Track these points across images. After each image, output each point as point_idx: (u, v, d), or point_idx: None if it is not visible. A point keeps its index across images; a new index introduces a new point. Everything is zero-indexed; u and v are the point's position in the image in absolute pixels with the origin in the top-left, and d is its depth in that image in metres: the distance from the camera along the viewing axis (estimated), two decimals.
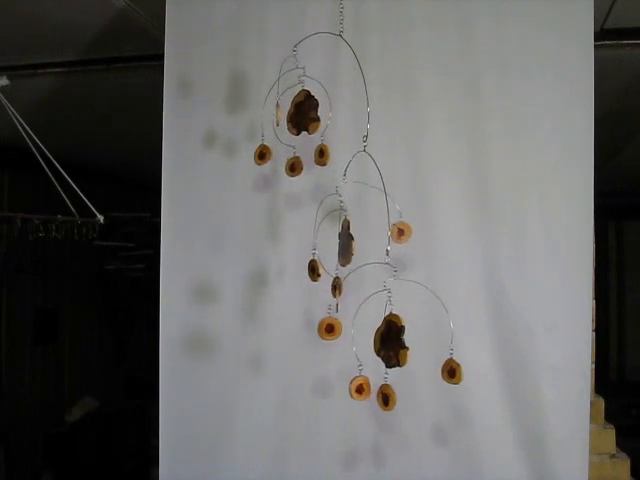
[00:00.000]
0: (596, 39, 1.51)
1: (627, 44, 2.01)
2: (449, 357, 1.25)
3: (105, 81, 2.56)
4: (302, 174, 1.36)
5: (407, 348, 1.17)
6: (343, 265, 1.22)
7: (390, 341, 1.18)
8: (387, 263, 1.20)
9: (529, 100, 1.51)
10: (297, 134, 1.30)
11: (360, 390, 1.22)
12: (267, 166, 1.44)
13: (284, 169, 1.37)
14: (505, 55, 1.52)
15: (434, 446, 1.53)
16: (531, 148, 1.51)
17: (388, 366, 1.18)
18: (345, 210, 1.23)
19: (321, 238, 1.31)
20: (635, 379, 5.32)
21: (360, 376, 1.22)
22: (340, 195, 1.24)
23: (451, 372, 1.25)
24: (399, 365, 1.18)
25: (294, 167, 1.34)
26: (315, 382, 1.56)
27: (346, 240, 1.22)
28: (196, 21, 1.66)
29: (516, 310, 1.50)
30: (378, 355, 1.19)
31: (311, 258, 1.27)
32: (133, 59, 2.27)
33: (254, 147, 1.40)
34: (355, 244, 1.22)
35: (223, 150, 1.62)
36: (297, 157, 1.34)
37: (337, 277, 1.24)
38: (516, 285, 1.50)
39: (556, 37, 1.50)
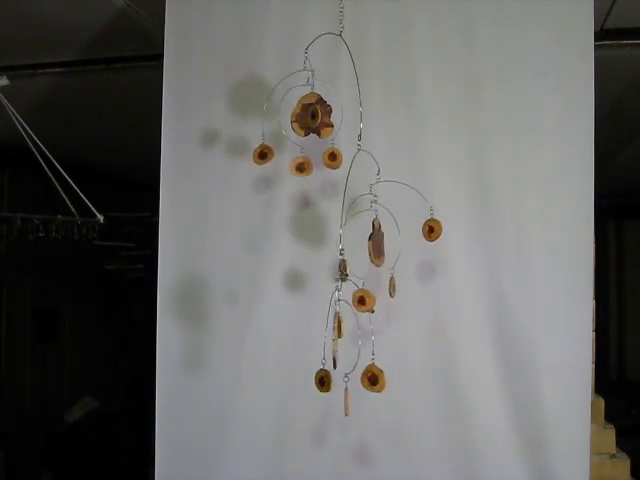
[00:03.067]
0: (596, 39, 1.51)
1: (627, 44, 2.01)
2: (370, 363, 1.19)
3: (105, 81, 2.56)
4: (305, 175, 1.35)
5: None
6: (378, 265, 1.22)
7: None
8: (342, 258, 1.19)
9: (529, 100, 1.51)
10: (304, 135, 1.28)
11: (322, 382, 1.22)
12: (268, 166, 1.43)
13: (288, 169, 1.36)
14: (505, 55, 1.52)
15: (435, 446, 1.53)
16: (531, 148, 1.51)
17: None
18: (377, 210, 1.22)
19: (325, 238, 1.31)
20: (635, 379, 5.31)
21: (322, 370, 1.21)
22: (375, 195, 1.22)
23: (372, 379, 1.19)
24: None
25: (302, 167, 1.33)
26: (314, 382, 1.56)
27: (379, 240, 1.23)
28: (196, 21, 1.66)
29: (516, 310, 1.50)
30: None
31: (341, 258, 1.21)
32: (133, 59, 2.27)
33: (254, 147, 1.40)
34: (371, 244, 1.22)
35: (222, 150, 1.62)
36: (305, 157, 1.33)
37: (392, 277, 1.26)
38: (516, 285, 1.50)
39: (556, 37, 1.50)
